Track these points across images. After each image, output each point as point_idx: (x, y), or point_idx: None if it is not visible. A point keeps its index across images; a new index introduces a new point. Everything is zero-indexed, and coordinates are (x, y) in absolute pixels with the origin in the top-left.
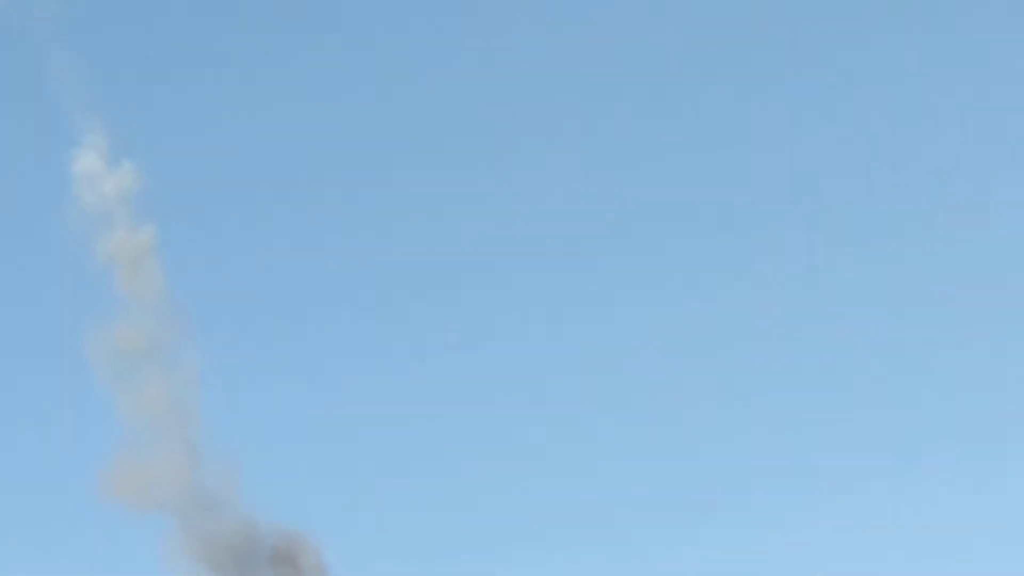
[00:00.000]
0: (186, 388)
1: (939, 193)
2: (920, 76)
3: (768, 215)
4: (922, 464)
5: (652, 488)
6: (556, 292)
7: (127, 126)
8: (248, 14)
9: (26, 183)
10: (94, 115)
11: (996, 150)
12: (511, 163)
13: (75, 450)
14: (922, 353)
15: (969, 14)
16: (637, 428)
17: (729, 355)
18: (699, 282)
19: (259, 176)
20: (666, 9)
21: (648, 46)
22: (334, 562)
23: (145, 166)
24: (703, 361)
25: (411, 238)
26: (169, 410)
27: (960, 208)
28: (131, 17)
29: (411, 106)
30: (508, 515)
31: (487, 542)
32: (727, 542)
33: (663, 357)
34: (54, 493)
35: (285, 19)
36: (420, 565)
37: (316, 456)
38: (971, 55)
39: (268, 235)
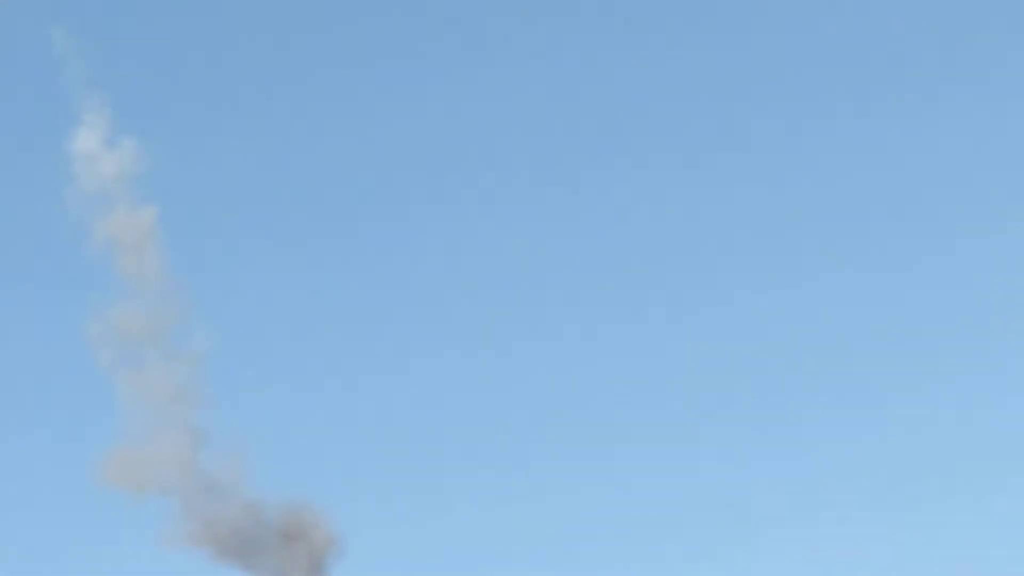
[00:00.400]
0: (189, 371)
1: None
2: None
3: (811, 235)
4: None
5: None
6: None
7: (128, 104)
8: None
9: (26, 163)
10: (95, 93)
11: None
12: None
13: (77, 436)
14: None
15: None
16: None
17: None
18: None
19: (264, 155)
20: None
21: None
22: (345, 532)
23: (147, 145)
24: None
25: (413, 226)
26: (172, 394)
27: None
28: None
29: (414, 82)
30: (510, 507)
31: (496, 525)
32: (747, 557)
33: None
34: (56, 480)
35: None
36: (430, 535)
37: (322, 435)
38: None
39: (272, 216)
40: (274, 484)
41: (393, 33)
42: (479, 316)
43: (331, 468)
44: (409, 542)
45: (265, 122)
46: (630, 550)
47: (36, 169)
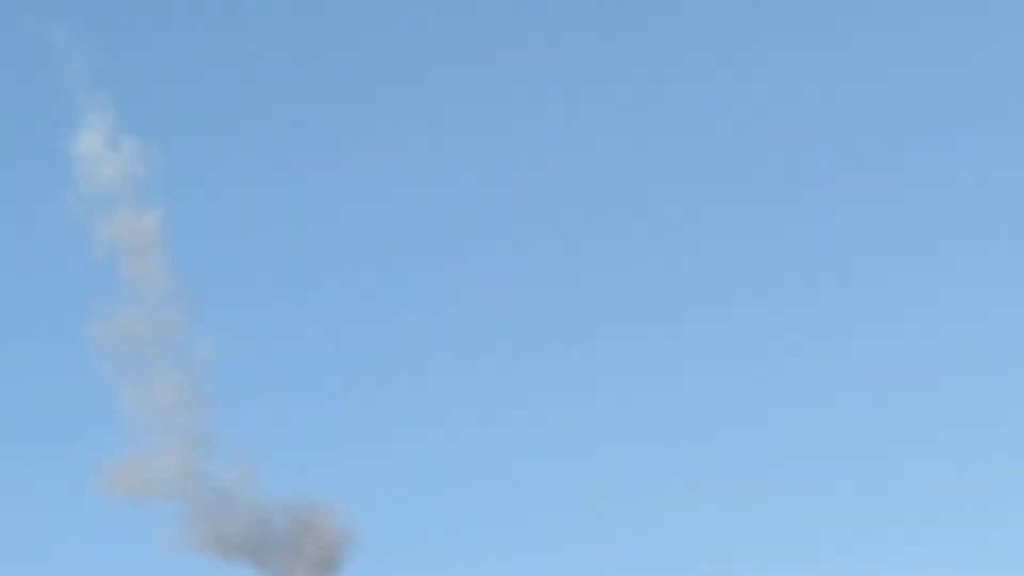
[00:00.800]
0: (194, 375)
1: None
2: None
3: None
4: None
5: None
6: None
7: (133, 105)
8: None
9: (27, 164)
10: (96, 94)
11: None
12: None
13: (81, 442)
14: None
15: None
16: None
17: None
18: None
19: (270, 156)
20: None
21: None
22: (358, 525)
23: (152, 146)
24: None
25: (419, 228)
26: (177, 399)
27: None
28: None
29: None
30: (516, 506)
31: (501, 524)
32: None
33: None
34: (60, 487)
35: None
36: (435, 535)
37: (327, 437)
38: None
39: (278, 218)
40: (281, 487)
41: (400, 31)
42: (480, 316)
43: (337, 470)
44: (418, 541)
45: (270, 122)
46: (633, 549)
47: (38, 171)
